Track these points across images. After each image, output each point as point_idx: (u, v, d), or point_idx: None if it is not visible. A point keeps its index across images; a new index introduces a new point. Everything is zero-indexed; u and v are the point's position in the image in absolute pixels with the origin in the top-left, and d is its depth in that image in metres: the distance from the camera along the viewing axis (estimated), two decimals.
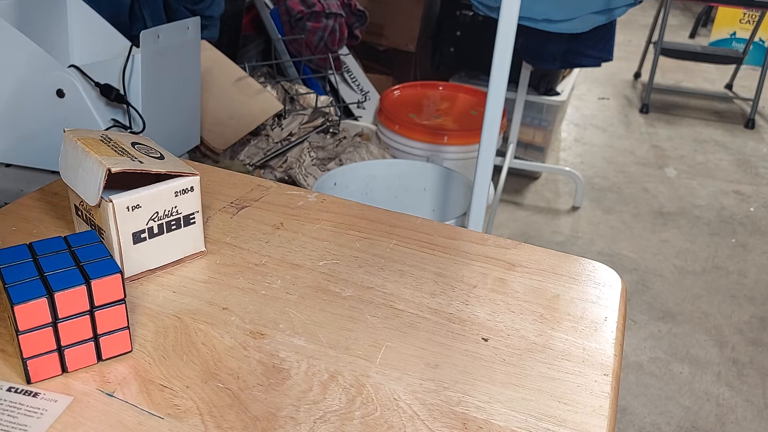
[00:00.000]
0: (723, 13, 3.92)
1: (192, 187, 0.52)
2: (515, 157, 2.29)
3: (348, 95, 2.26)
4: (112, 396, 0.40)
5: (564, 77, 2.48)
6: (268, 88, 1.88)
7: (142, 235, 0.50)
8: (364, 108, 2.24)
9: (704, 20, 4.76)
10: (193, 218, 0.53)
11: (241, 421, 0.39)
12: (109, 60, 1.00)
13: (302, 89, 2.00)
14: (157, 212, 0.51)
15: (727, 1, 3.14)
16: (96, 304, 0.41)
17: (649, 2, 4.61)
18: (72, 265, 0.41)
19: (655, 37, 3.24)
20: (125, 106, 1.00)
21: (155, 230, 0.51)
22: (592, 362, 0.46)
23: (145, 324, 0.47)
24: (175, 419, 0.39)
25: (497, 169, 1.93)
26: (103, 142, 0.51)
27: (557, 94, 2.36)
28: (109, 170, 0.46)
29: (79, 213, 0.54)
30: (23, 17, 0.99)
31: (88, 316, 0.40)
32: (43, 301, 0.38)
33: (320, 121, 1.82)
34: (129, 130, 1.00)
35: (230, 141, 1.58)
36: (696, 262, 1.99)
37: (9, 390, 0.40)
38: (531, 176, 2.45)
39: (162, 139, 1.08)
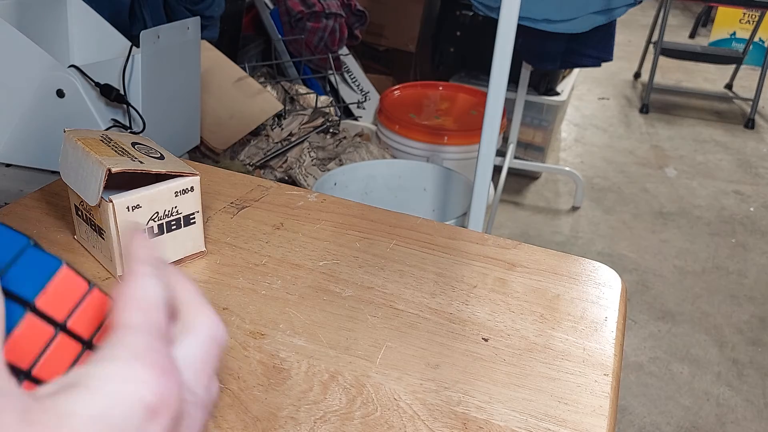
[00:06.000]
0: (723, 13, 3.92)
1: (192, 187, 0.52)
2: (515, 157, 2.29)
3: (348, 95, 2.26)
4: None
5: (564, 77, 2.48)
6: (268, 88, 1.88)
7: None
8: (364, 108, 2.24)
9: (704, 20, 4.76)
10: (194, 218, 0.53)
11: (241, 421, 0.39)
12: (109, 60, 0.99)
13: (302, 89, 2.00)
14: (158, 212, 0.51)
15: (727, 1, 3.14)
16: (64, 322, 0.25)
17: (649, 2, 4.61)
18: None
19: (655, 37, 3.24)
20: (125, 106, 0.99)
21: (155, 230, 0.51)
22: (592, 362, 0.46)
23: None
24: None
25: (497, 169, 1.93)
26: (103, 142, 0.51)
27: (557, 94, 2.36)
28: (110, 170, 0.46)
29: (79, 213, 0.54)
30: (23, 17, 0.99)
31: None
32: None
33: (320, 121, 1.82)
34: (129, 130, 1.00)
35: (230, 141, 1.58)
36: (696, 262, 1.99)
37: None
38: (531, 176, 2.45)
39: (162, 139, 1.07)
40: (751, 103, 3.18)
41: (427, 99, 2.11)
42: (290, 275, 0.53)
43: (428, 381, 0.43)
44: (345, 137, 1.81)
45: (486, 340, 0.47)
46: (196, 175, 0.52)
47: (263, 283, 0.52)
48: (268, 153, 1.65)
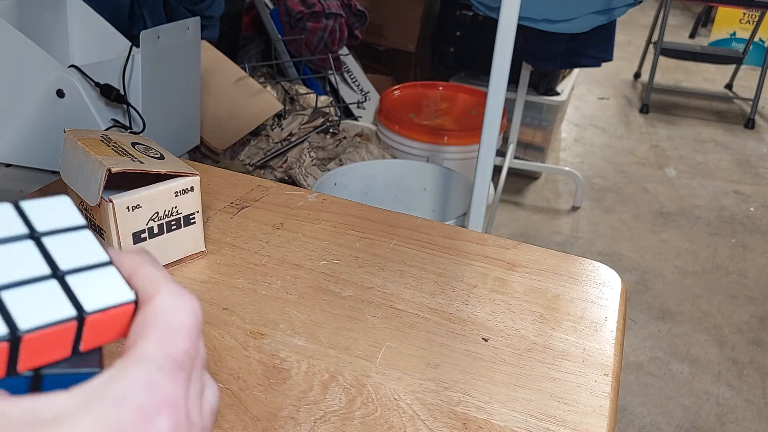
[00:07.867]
0: (723, 13, 3.92)
1: (192, 187, 0.52)
2: (515, 157, 2.29)
3: (348, 95, 2.26)
4: None
5: (564, 77, 2.48)
6: (268, 88, 1.88)
7: (143, 235, 0.50)
8: (364, 108, 2.24)
9: (704, 20, 4.76)
10: (193, 218, 0.53)
11: (241, 421, 0.39)
12: (109, 60, 1.00)
13: (302, 89, 2.00)
14: (158, 212, 0.51)
15: (727, 1, 3.14)
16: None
17: (649, 2, 4.61)
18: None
19: (655, 37, 3.24)
20: (125, 106, 0.99)
21: (155, 230, 0.51)
22: (592, 362, 0.46)
23: None
24: None
25: (497, 169, 1.93)
26: (103, 142, 0.51)
27: (557, 94, 2.36)
28: (110, 170, 0.46)
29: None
30: (23, 17, 0.99)
31: None
32: None
33: (320, 121, 1.82)
34: (129, 130, 1.00)
35: (230, 141, 1.58)
36: (696, 262, 1.99)
37: None
38: (531, 176, 2.45)
39: (162, 139, 1.08)
40: (751, 103, 3.18)
41: (427, 99, 2.11)
42: (290, 275, 0.53)
43: (428, 381, 0.43)
44: (345, 137, 1.81)
45: (486, 340, 0.47)
46: (196, 175, 0.52)
47: (263, 283, 0.52)
48: (268, 153, 1.65)
